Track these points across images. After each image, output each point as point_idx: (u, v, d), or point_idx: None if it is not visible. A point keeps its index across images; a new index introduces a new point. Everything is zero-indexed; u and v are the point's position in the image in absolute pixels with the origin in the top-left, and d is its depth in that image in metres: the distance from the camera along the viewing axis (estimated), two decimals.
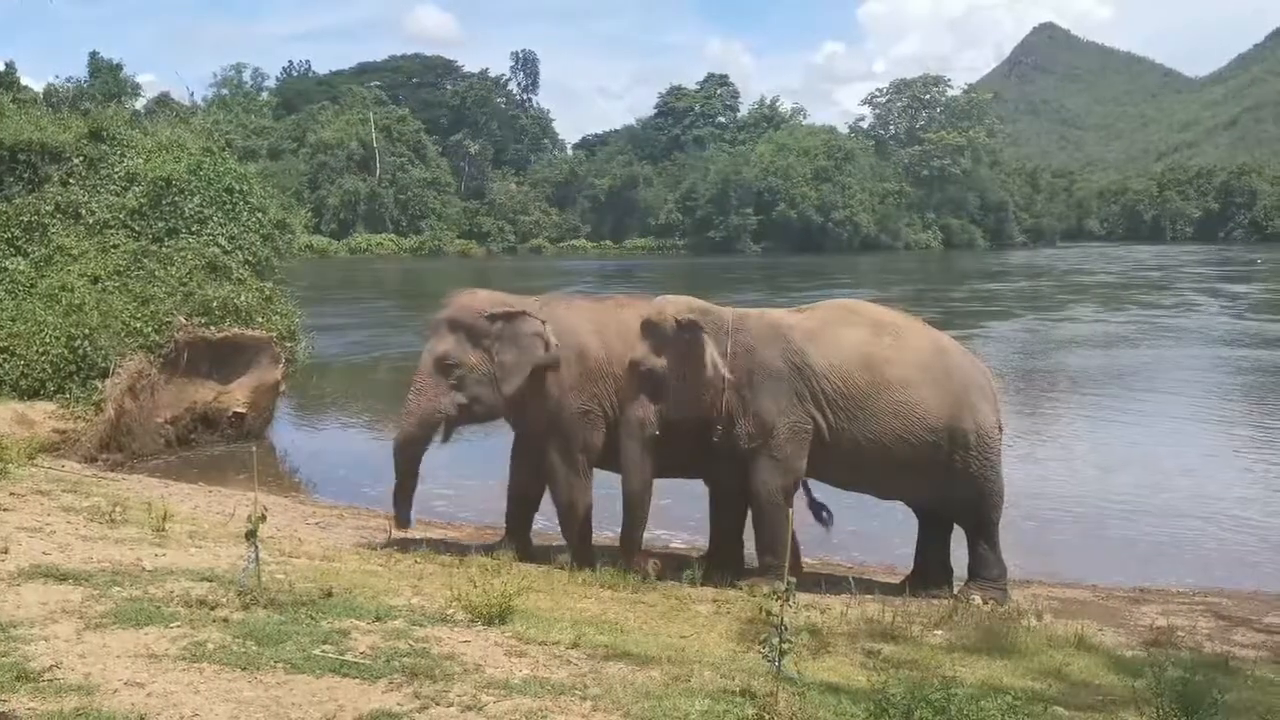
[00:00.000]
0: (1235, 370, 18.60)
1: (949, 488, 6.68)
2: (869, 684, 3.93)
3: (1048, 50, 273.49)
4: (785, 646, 3.53)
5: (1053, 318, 28.25)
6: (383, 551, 6.79)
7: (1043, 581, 7.42)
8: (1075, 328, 25.48)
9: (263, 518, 4.85)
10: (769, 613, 3.58)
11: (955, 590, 6.78)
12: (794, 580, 3.68)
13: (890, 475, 6.70)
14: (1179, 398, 16.09)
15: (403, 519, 7.31)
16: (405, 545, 7.11)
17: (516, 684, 3.67)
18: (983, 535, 6.82)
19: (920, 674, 4.03)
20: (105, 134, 12.91)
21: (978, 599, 6.49)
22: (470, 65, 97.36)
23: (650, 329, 6.60)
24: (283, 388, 12.53)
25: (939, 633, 5.50)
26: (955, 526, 7.06)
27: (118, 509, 6.62)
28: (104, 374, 10.66)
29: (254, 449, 6.75)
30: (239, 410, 11.84)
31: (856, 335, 6.68)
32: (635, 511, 6.68)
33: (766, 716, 3.28)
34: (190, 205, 12.28)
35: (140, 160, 12.65)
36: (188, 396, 11.53)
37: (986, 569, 6.80)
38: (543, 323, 6.89)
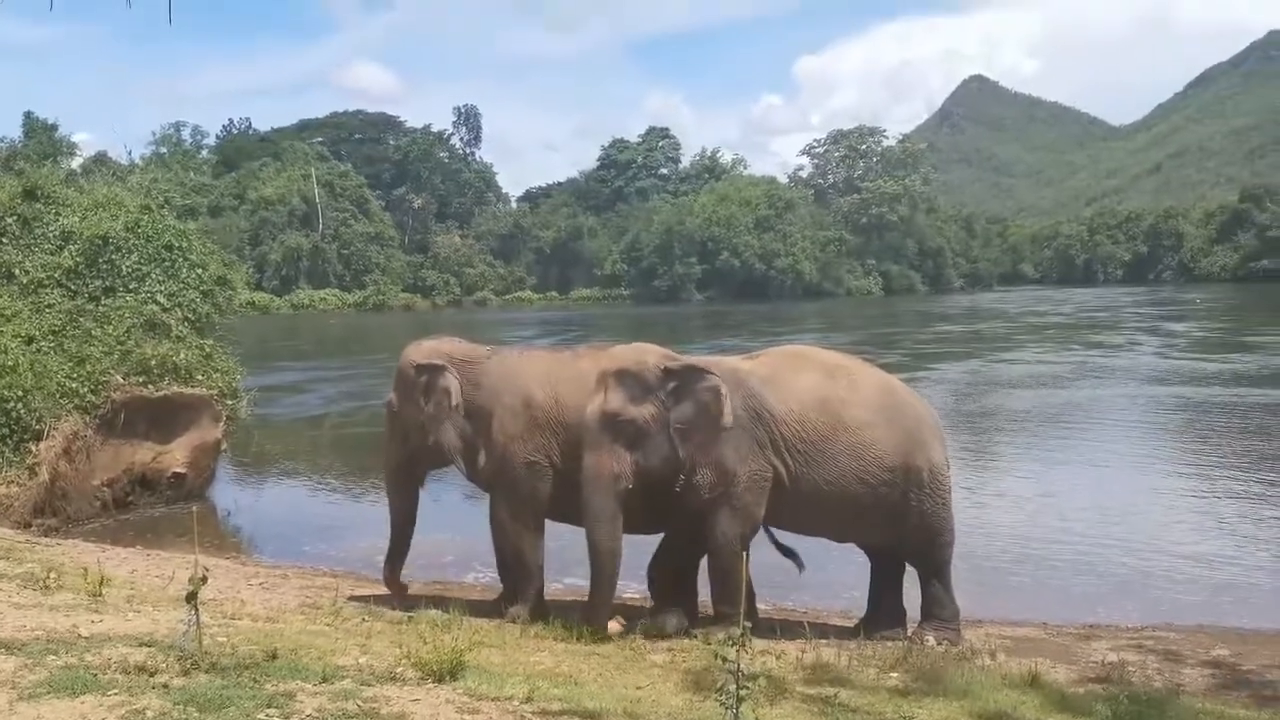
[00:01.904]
0: (1175, 408, 19.00)
1: (903, 527, 6.70)
2: None
3: (977, 102, 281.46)
4: (742, 693, 3.49)
5: (1008, 358, 28.72)
6: (329, 610, 6.62)
7: (994, 621, 7.44)
8: (1026, 368, 25.91)
9: (204, 579, 4.71)
10: (725, 659, 3.54)
11: (909, 632, 6.78)
12: (749, 625, 3.65)
13: (848, 517, 6.70)
14: (1122, 436, 16.38)
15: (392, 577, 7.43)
16: (353, 602, 6.96)
17: None
18: (935, 575, 6.85)
19: (877, 718, 4.01)
20: (40, 192, 12.69)
21: (932, 640, 6.49)
22: (412, 120, 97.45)
23: (628, 378, 6.47)
24: (224, 447, 12.28)
25: (894, 675, 5.48)
26: (907, 568, 7.07)
27: (52, 575, 6.41)
28: (38, 436, 10.32)
29: (194, 509, 6.60)
30: (178, 471, 11.57)
31: (811, 379, 6.72)
32: (606, 569, 6.46)
33: None
34: (128, 263, 12.07)
35: (76, 218, 12.44)
36: (125, 458, 11.24)
37: (940, 609, 6.82)
38: (455, 378, 6.91)
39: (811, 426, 6.53)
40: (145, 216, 12.61)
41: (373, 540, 9.79)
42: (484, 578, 8.50)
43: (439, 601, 7.04)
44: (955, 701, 4.66)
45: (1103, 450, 15.16)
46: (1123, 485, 12.71)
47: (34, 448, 10.26)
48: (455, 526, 10.40)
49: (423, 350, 7.20)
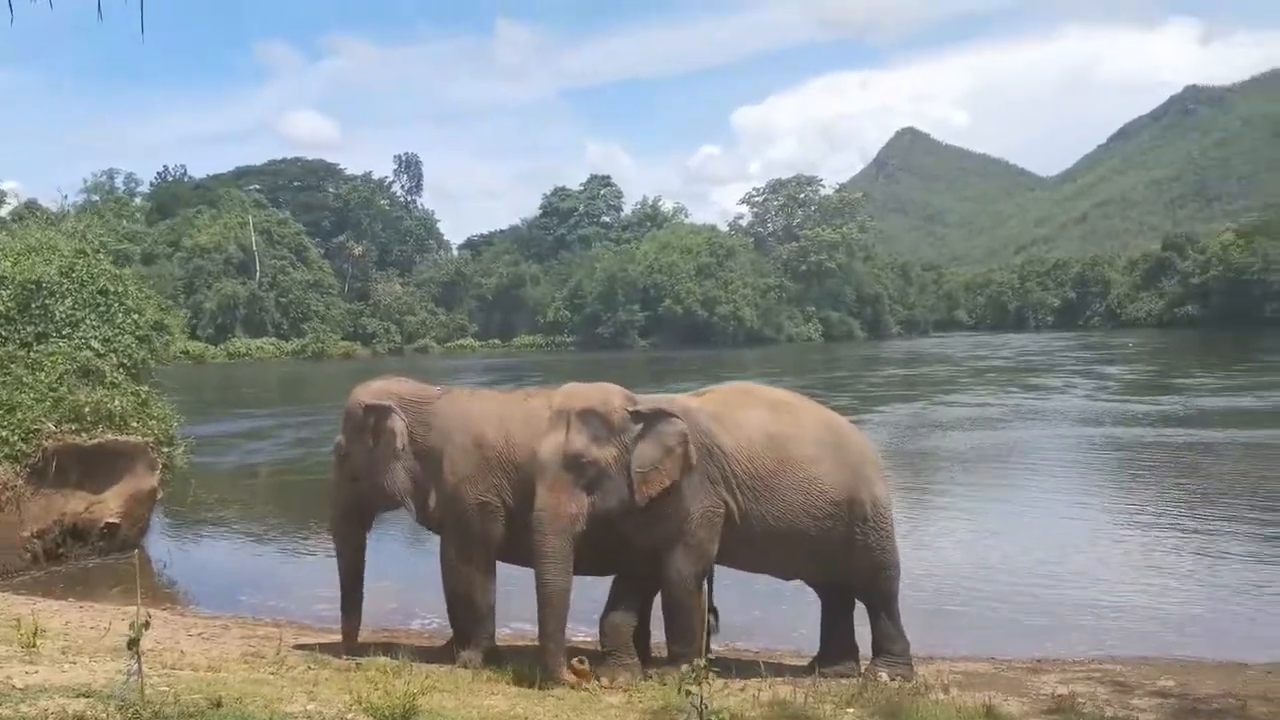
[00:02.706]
0: (1111, 448, 19.44)
1: (849, 561, 6.72)
2: None
3: (910, 153, 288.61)
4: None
5: (954, 400, 29.22)
6: (273, 659, 6.44)
7: (944, 656, 7.47)
8: (970, 410, 26.37)
9: (146, 624, 4.57)
10: (689, 691, 3.51)
11: (863, 669, 6.78)
12: (711, 658, 3.62)
13: (795, 553, 6.70)
14: (1061, 476, 16.73)
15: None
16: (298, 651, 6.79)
17: None
18: (884, 609, 6.86)
19: None
20: None
21: (885, 675, 6.50)
22: (352, 168, 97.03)
23: (593, 419, 6.37)
24: (159, 495, 11.94)
25: (850, 711, 5.47)
26: (857, 604, 7.09)
27: None
28: None
29: (136, 552, 6.38)
30: (112, 521, 11.20)
31: (759, 415, 6.75)
32: (558, 610, 6.29)
33: None
34: (62, 308, 11.80)
35: (8, 263, 12.13)
36: (57, 508, 10.86)
37: (890, 644, 6.83)
38: (402, 419, 6.84)
39: (760, 462, 6.54)
40: (80, 261, 12.36)
41: (314, 589, 9.62)
42: (431, 624, 8.35)
43: (386, 649, 6.89)
44: None
45: (1043, 490, 15.44)
46: (1062, 524, 12.92)
47: None
48: (398, 573, 10.24)
49: (371, 391, 7.10)
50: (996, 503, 14.45)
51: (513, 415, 6.81)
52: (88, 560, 10.87)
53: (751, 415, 6.75)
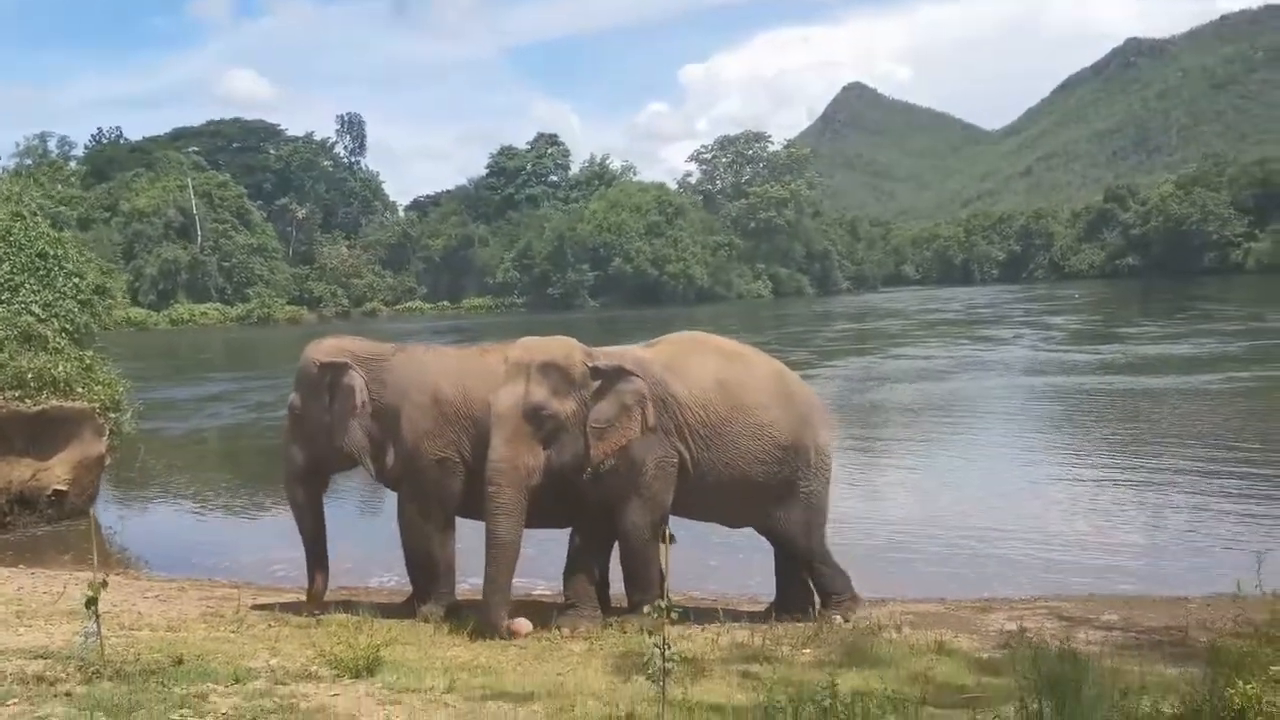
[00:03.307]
0: (1056, 396, 19.83)
1: (788, 508, 6.82)
2: (749, 701, 3.97)
3: (857, 108, 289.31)
4: (668, 666, 3.52)
5: (907, 353, 29.61)
6: (232, 619, 6.42)
7: (895, 599, 7.65)
8: (923, 362, 26.77)
9: (103, 584, 4.54)
10: (651, 632, 3.57)
11: (816, 615, 6.91)
12: (673, 600, 3.69)
13: (743, 500, 6.78)
14: (1008, 425, 17.08)
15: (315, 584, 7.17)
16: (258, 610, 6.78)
17: None
18: (817, 556, 6.95)
19: (799, 688, 4.08)
20: None
21: (840, 618, 6.65)
22: (293, 129, 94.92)
23: (554, 372, 6.37)
24: (107, 461, 11.76)
25: (807, 651, 5.60)
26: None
27: None
28: None
29: (90, 513, 6.29)
30: (59, 488, 11.03)
31: (711, 362, 6.82)
32: (506, 562, 6.32)
33: None
34: (0, 272, 11.50)
35: None
36: (2, 476, 10.66)
37: (834, 584, 6.94)
38: (360, 375, 6.78)
39: (713, 409, 6.62)
40: (16, 224, 12.04)
41: (269, 551, 9.61)
42: (389, 582, 8.36)
43: (346, 607, 6.88)
44: (869, 670, 4.79)
45: (990, 438, 15.76)
46: (1009, 471, 13.22)
47: None
48: (354, 533, 10.25)
49: (325, 348, 7.04)
50: (945, 452, 14.73)
51: (469, 370, 6.80)
52: (36, 528, 10.71)
53: (703, 363, 6.81)
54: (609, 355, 6.66)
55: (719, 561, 8.57)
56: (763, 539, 7.38)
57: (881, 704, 3.30)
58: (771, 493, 6.78)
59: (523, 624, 6.29)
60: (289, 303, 73.96)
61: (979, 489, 12.04)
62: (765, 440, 6.67)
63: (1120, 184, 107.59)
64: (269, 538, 10.31)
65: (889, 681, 4.24)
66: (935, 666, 4.98)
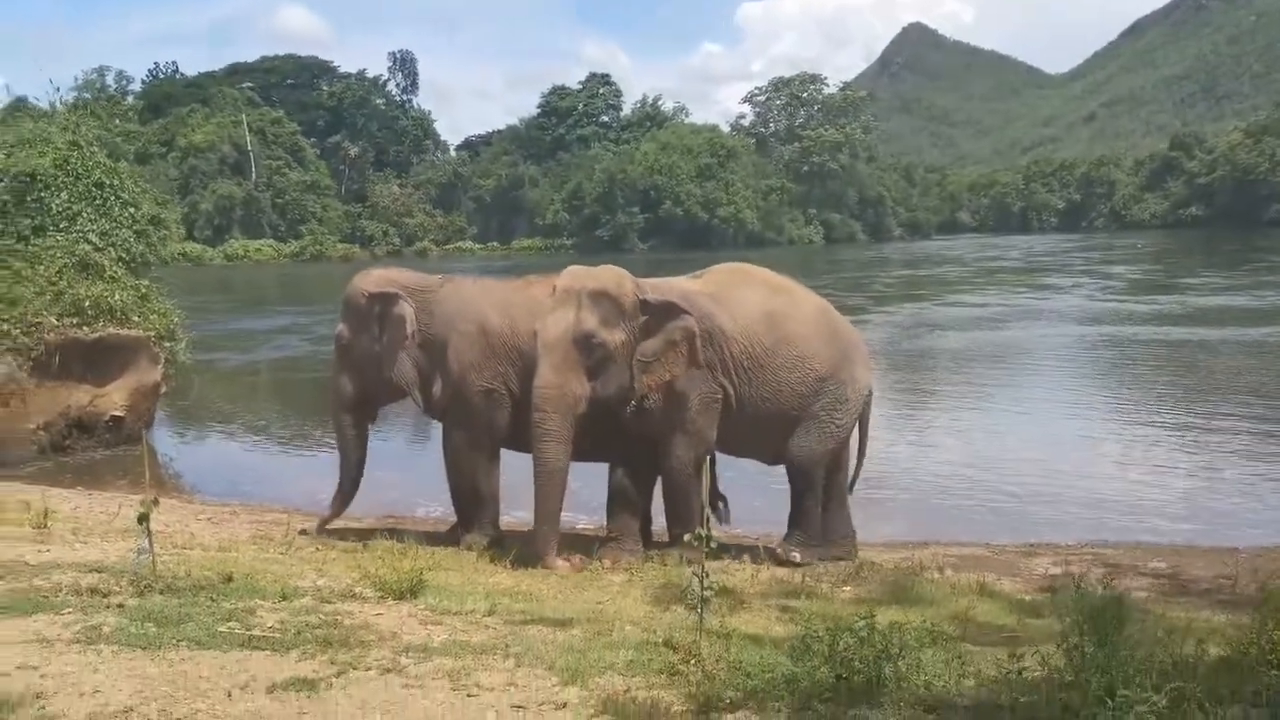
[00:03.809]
0: (1113, 345, 19.46)
1: (809, 436, 6.71)
2: (787, 633, 3.97)
3: (916, 50, 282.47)
4: (706, 594, 3.53)
5: (970, 301, 29.25)
6: (281, 541, 6.55)
7: (939, 542, 7.61)
8: (986, 310, 26.45)
9: (155, 502, 4.65)
10: (690, 561, 3.58)
11: (777, 547, 6.80)
12: (714, 520, 3.68)
13: (778, 434, 6.73)
14: (1067, 373, 16.86)
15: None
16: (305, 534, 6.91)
17: (436, 647, 3.60)
18: (813, 489, 6.86)
19: (837, 621, 4.07)
20: None
21: (796, 555, 6.59)
22: (345, 66, 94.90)
23: (606, 301, 6.30)
24: (163, 389, 12.02)
25: (848, 589, 5.60)
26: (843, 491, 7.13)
27: None
28: None
29: (144, 435, 6.41)
30: (117, 414, 11.30)
31: (757, 294, 6.76)
32: (555, 489, 6.31)
33: (692, 661, 3.27)
34: (58, 201, 11.68)
35: (1, 155, 11.97)
36: (61, 401, 10.95)
37: (809, 524, 6.88)
38: (410, 306, 6.79)
39: (758, 342, 6.56)
40: (74, 153, 12.18)
41: (317, 482, 9.71)
42: (434, 512, 8.46)
43: (391, 534, 6.99)
44: (909, 608, 4.77)
45: (1042, 387, 15.55)
46: (1060, 420, 13.04)
47: None
48: (399, 464, 10.41)
49: (374, 279, 7.07)
50: (996, 399, 14.53)
51: (516, 302, 6.79)
52: (94, 452, 10.99)
53: (750, 295, 6.74)
54: (658, 288, 6.61)
55: (763, 502, 8.56)
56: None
57: (920, 637, 3.28)
58: (800, 422, 6.71)
59: (567, 564, 6.31)
60: (341, 240, 74.49)
61: (1029, 436, 11.90)
62: (804, 371, 6.61)
63: (1187, 131, 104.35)
64: (320, 467, 10.46)
65: (929, 619, 4.21)
66: (976, 606, 4.95)
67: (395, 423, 11.96)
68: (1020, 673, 2.73)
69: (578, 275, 6.50)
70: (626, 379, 6.35)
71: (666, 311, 6.36)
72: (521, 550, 6.33)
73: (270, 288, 45.96)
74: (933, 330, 22.41)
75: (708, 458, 6.54)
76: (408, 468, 10.57)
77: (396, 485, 9.59)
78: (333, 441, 7.92)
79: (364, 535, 6.99)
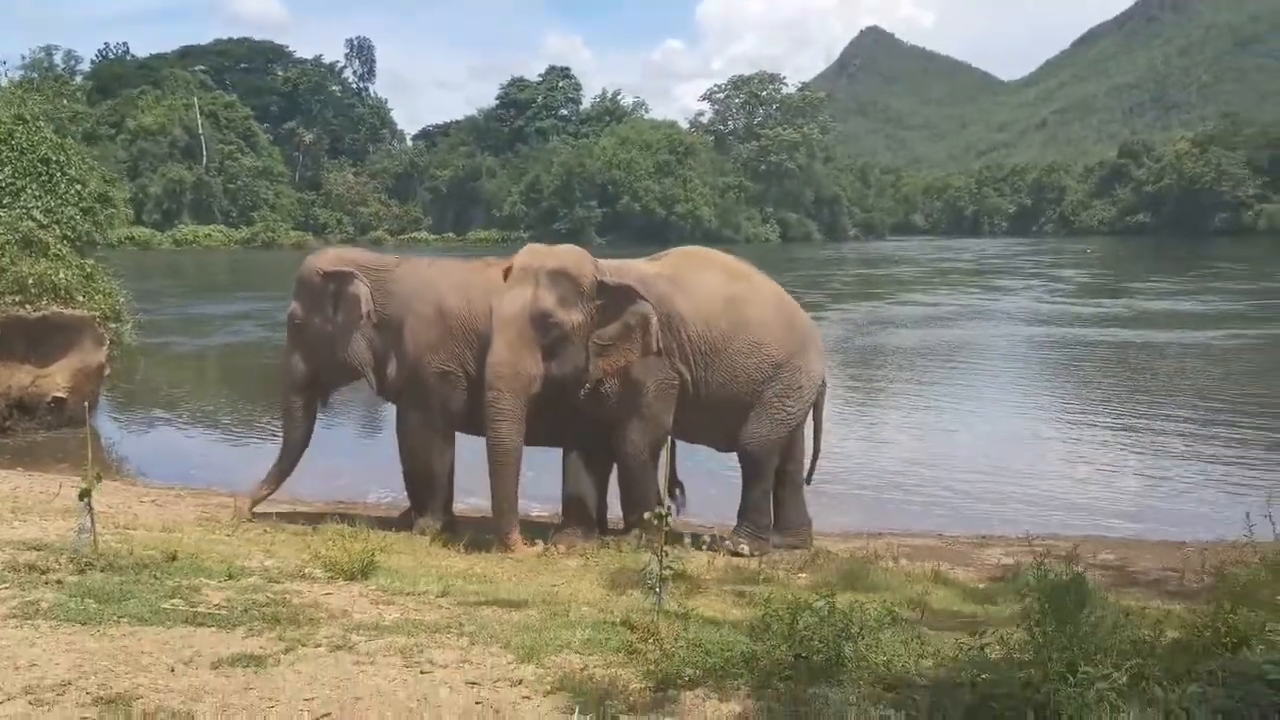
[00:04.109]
0: (1061, 346, 19.76)
1: (759, 422, 6.67)
2: (745, 616, 3.94)
3: (874, 53, 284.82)
4: (665, 573, 3.49)
5: (923, 300, 29.52)
6: (228, 524, 6.41)
7: (892, 532, 7.64)
8: (932, 310, 26.71)
9: (98, 478, 4.51)
10: (646, 546, 3.53)
11: (726, 539, 6.75)
12: (671, 507, 3.63)
13: (733, 419, 6.68)
14: (1007, 371, 17.09)
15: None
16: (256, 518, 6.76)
17: (388, 625, 3.52)
18: (762, 481, 6.83)
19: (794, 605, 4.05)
20: None
21: (745, 547, 6.55)
22: (302, 51, 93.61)
23: (564, 281, 6.19)
24: (107, 371, 11.72)
25: (803, 576, 5.59)
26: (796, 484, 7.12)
27: None
28: None
29: (86, 404, 6.22)
30: (59, 395, 11.01)
31: (716, 278, 6.72)
32: (510, 469, 6.21)
33: (650, 640, 3.22)
34: (1, 175, 11.35)
35: None
36: (2, 381, 10.68)
37: (759, 516, 6.85)
38: (366, 285, 6.67)
39: (716, 326, 6.51)
40: (19, 128, 11.84)
41: (265, 467, 9.57)
42: (385, 498, 8.35)
43: (343, 519, 6.86)
44: (865, 594, 4.77)
45: (992, 384, 15.73)
46: (1009, 416, 13.21)
47: None
48: (350, 450, 10.26)
49: (329, 257, 6.94)
50: (946, 396, 14.66)
51: (474, 283, 6.69)
52: (35, 434, 10.71)
53: (709, 278, 6.70)
54: (617, 270, 6.53)
55: (718, 491, 8.54)
56: None
57: (879, 617, 3.26)
58: (752, 408, 6.67)
59: (530, 547, 6.23)
60: (294, 228, 73.46)
61: (979, 434, 12.01)
62: (760, 357, 6.57)
63: (1135, 139, 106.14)
64: (266, 453, 10.26)
65: (886, 603, 4.20)
66: (932, 593, 4.96)
67: (347, 409, 11.80)
68: (981, 648, 2.72)
69: (537, 253, 6.41)
70: (582, 361, 6.27)
71: (624, 295, 6.29)
72: (475, 535, 6.25)
73: (220, 273, 45.22)
74: (888, 327, 22.62)
75: (667, 444, 6.50)
76: (359, 455, 10.44)
77: (348, 472, 9.45)
78: (274, 422, 7.78)
79: (314, 519, 6.85)
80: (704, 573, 5.45)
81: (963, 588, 5.35)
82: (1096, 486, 9.63)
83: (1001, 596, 4.93)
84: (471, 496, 7.83)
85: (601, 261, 6.58)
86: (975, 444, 11.39)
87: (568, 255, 6.42)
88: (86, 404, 11.13)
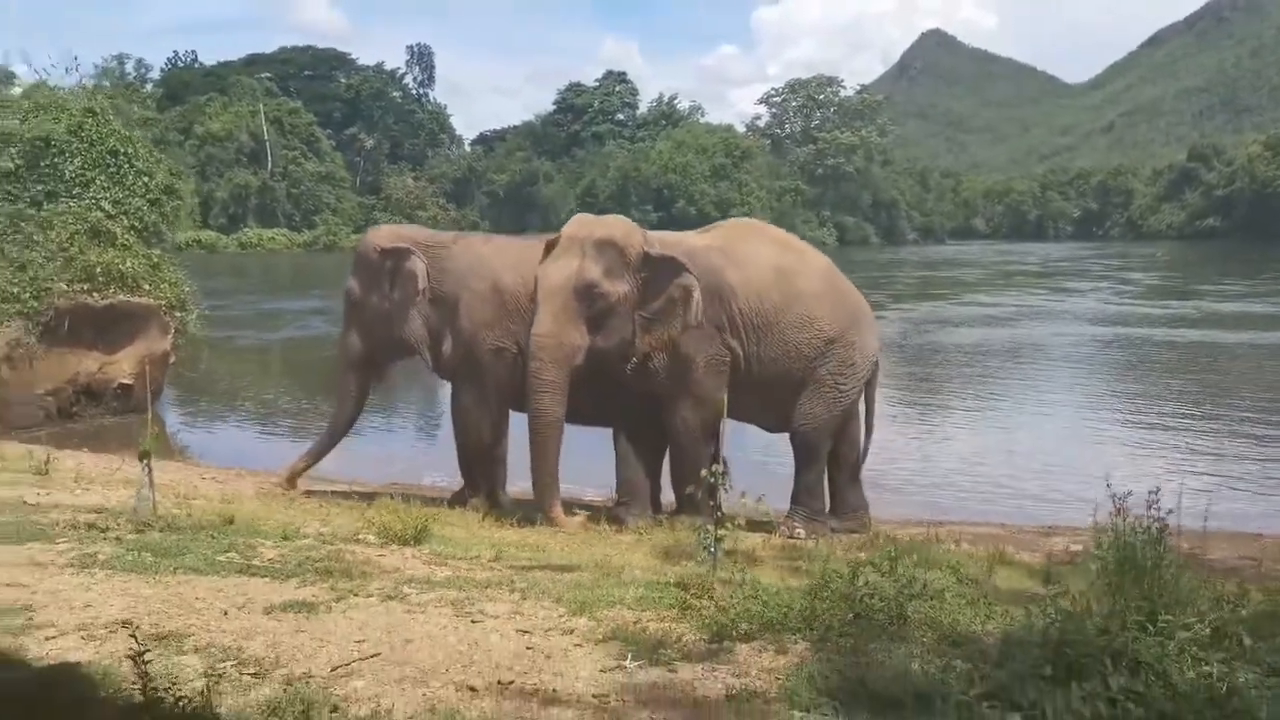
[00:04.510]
0: (1130, 346, 19.28)
1: (812, 401, 6.50)
2: (802, 586, 3.84)
3: (935, 56, 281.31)
4: (721, 533, 3.41)
5: (992, 301, 29.01)
6: (285, 499, 6.44)
7: (954, 522, 7.45)
8: (1007, 310, 26.26)
9: (157, 437, 4.55)
10: (709, 498, 3.45)
11: (780, 523, 6.55)
12: (725, 468, 3.56)
13: (785, 397, 6.52)
14: (1073, 369, 16.69)
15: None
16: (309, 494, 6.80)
17: (439, 581, 3.48)
18: (815, 463, 6.65)
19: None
20: None
21: (801, 530, 6.38)
22: (363, 59, 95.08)
23: (611, 251, 6.09)
24: (172, 359, 11.92)
25: (862, 554, 5.44)
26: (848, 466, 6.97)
27: None
28: None
29: (150, 388, 6.29)
30: (125, 382, 11.21)
31: (767, 250, 6.59)
32: (551, 441, 6.11)
33: (704, 596, 3.14)
34: (71, 167, 11.64)
35: (16, 121, 11.92)
36: (70, 367, 10.89)
37: (812, 499, 6.69)
38: (422, 262, 6.65)
39: (768, 299, 6.35)
40: (89, 120, 12.11)
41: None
42: (440, 481, 8.34)
43: (397, 497, 6.87)
44: (931, 570, 4.63)
45: (1064, 385, 15.36)
46: (1076, 413, 12.90)
47: None
48: (405, 439, 10.31)
49: (386, 234, 6.96)
50: (1012, 395, 14.31)
51: (529, 261, 6.64)
52: (101, 419, 10.91)
53: (760, 250, 6.56)
54: (665, 243, 6.42)
55: (773, 473, 8.42)
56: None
57: (943, 579, 3.15)
58: (805, 386, 6.50)
59: (573, 519, 6.17)
60: (354, 231, 74.38)
61: (1044, 430, 11.74)
62: (812, 332, 6.40)
63: (1205, 143, 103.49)
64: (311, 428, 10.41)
65: (954, 580, 4.06)
66: (997, 572, 4.81)
67: (405, 398, 11.88)
68: (1054, 597, 2.60)
69: (584, 223, 6.35)
70: (628, 334, 6.13)
71: (669, 267, 6.15)
72: (527, 512, 6.21)
73: (283, 274, 46.02)
74: (952, 326, 22.24)
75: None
76: (416, 442, 10.50)
77: (404, 458, 9.51)
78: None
79: (368, 497, 6.87)
80: (759, 550, 5.36)
81: (1028, 568, 5.19)
82: (1164, 484, 9.31)
83: (1070, 577, 4.76)
84: (525, 481, 7.81)
85: (650, 234, 6.49)
86: (1040, 442, 11.10)
87: (615, 225, 6.34)
88: (151, 391, 11.50)
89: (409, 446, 9.80)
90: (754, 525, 6.57)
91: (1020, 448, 10.73)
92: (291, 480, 7.03)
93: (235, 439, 11.18)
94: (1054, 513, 8.29)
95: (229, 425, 12.08)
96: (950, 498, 8.66)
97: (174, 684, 2.18)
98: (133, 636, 2.21)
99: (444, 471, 8.10)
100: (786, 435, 6.82)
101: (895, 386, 13.76)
